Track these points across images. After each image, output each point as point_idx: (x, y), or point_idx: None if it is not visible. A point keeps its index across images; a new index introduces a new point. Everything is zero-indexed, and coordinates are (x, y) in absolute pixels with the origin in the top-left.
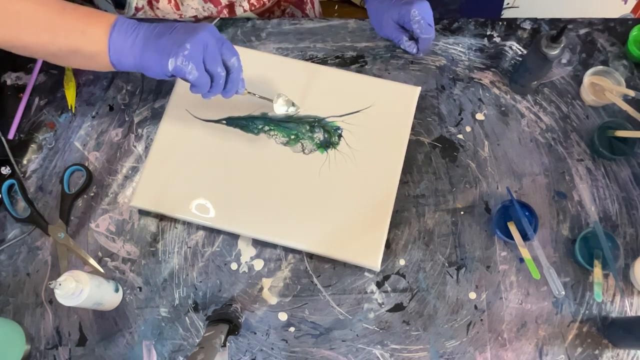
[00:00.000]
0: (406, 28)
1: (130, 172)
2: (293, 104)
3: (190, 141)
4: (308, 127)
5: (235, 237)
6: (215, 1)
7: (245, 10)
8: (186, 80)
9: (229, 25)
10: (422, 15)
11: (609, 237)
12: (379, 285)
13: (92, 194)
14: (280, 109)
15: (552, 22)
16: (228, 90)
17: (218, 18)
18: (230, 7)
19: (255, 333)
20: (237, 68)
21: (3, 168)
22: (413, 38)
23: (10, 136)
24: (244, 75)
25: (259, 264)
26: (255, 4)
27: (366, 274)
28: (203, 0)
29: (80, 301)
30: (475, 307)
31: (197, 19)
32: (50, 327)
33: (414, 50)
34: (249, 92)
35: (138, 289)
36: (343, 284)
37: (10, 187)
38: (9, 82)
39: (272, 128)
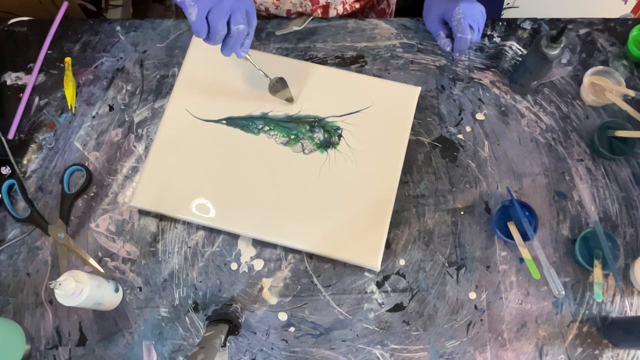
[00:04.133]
0: (449, 25)
1: (130, 172)
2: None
3: (190, 141)
4: (308, 127)
5: (235, 237)
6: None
7: (338, 14)
8: None
9: None
10: (464, 15)
11: (609, 237)
12: (379, 285)
13: (92, 194)
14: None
15: (552, 22)
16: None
17: (311, 17)
18: (325, 7)
19: (255, 333)
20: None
21: (3, 168)
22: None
23: (10, 136)
24: (245, 75)
25: (259, 264)
26: (348, 8)
27: (366, 274)
28: None
29: (80, 301)
30: (475, 307)
31: (289, 13)
32: (50, 327)
33: (448, 48)
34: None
35: (138, 289)
36: (343, 284)
37: (10, 187)
38: (9, 82)
39: (272, 128)
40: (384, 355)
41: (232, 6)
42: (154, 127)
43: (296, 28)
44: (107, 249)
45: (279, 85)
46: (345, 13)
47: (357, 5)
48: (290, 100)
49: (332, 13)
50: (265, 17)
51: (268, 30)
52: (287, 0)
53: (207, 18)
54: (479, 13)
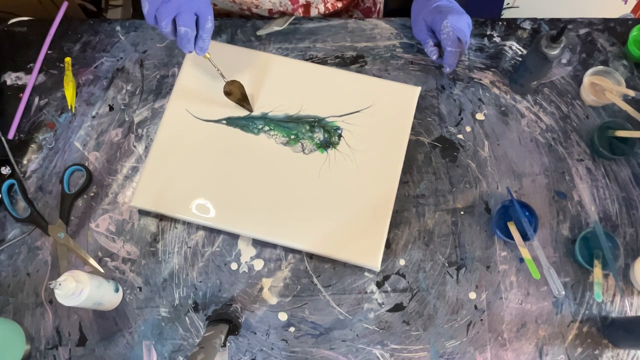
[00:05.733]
0: (437, 35)
1: (130, 172)
2: (245, 98)
3: (190, 141)
4: (308, 127)
5: (235, 237)
6: None
7: (319, 13)
8: None
9: (228, 25)
10: (452, 28)
11: (609, 237)
12: (379, 285)
13: (92, 194)
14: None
15: (552, 22)
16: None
17: (293, 17)
18: (307, 7)
19: (255, 333)
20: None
21: (3, 168)
22: (440, 45)
23: (10, 136)
24: (245, 75)
25: (259, 264)
26: (330, 7)
27: (366, 274)
28: None
29: (80, 301)
30: (475, 307)
31: (271, 13)
32: (50, 327)
33: (434, 57)
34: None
35: (138, 289)
36: (343, 284)
37: (10, 187)
38: (9, 82)
39: (272, 128)
40: (384, 355)
41: (179, 7)
42: (154, 127)
43: (277, 28)
44: (107, 249)
45: (233, 89)
46: (327, 12)
47: (340, 4)
48: (246, 107)
49: (314, 12)
50: (249, 16)
51: (257, 31)
52: (266, 0)
53: (155, 14)
54: (466, 25)
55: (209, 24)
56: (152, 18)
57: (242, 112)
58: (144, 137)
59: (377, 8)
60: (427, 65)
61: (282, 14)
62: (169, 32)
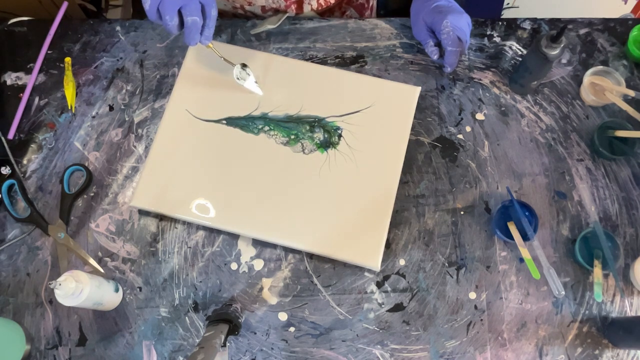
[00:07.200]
0: (437, 35)
1: (130, 172)
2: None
3: (190, 141)
4: (308, 127)
5: (235, 237)
6: None
7: (312, 9)
8: None
9: (228, 25)
10: (453, 27)
11: (609, 237)
12: (379, 285)
13: (92, 194)
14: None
15: (552, 22)
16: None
17: (286, 15)
18: (299, 3)
19: (255, 333)
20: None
21: (3, 168)
22: (440, 45)
23: (10, 136)
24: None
25: (259, 264)
26: (323, 4)
27: (366, 274)
28: None
29: (80, 301)
30: (475, 307)
31: (264, 10)
32: (50, 327)
33: (435, 57)
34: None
35: (138, 289)
36: (343, 284)
37: (10, 187)
38: (9, 82)
39: (272, 128)
40: (384, 355)
41: None
42: (154, 127)
43: (270, 27)
44: (107, 249)
45: (244, 73)
46: (320, 8)
47: (332, 0)
48: (256, 91)
49: (307, 9)
50: (242, 15)
51: (250, 30)
52: None
53: (158, 8)
54: (466, 24)
55: (214, 12)
56: (155, 13)
57: (242, 112)
58: (144, 137)
59: (370, 4)
60: (427, 65)
61: (276, 11)
62: (174, 26)
